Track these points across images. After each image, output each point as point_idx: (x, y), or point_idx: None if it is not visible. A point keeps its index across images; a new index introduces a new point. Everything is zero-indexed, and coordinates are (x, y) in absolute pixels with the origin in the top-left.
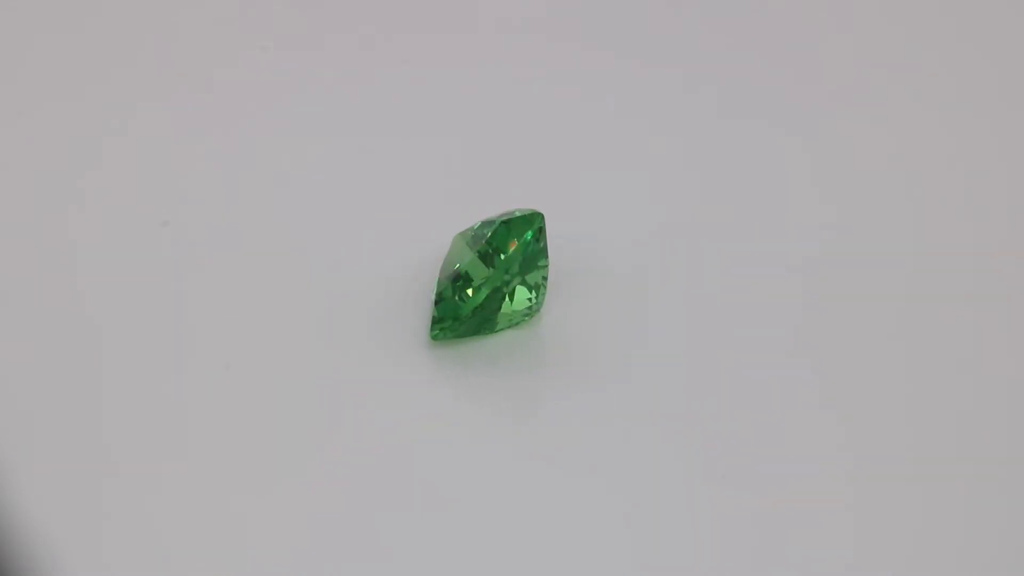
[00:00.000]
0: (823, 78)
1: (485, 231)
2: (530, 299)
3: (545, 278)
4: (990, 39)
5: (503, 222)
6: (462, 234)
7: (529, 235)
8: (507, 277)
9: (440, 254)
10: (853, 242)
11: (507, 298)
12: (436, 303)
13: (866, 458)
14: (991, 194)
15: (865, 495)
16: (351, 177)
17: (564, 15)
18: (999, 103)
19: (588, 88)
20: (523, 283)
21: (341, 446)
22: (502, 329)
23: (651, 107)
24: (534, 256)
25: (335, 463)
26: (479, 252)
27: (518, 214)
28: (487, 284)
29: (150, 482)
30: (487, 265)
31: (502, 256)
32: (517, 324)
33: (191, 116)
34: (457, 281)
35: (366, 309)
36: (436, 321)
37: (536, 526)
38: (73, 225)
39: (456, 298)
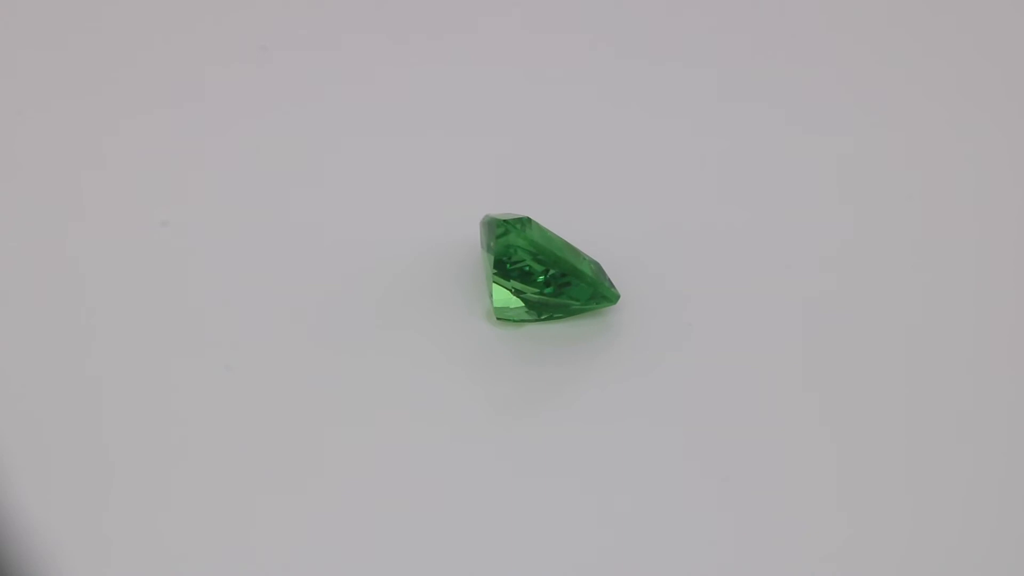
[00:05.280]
0: (835, 77)
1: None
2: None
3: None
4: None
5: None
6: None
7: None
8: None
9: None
10: (866, 247)
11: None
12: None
13: (869, 464)
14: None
15: (867, 501)
16: (352, 176)
17: (578, 14)
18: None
19: (602, 88)
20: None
21: (343, 448)
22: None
23: (670, 108)
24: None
25: (340, 465)
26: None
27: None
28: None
29: (153, 484)
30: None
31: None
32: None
33: (191, 115)
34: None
35: (367, 309)
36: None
37: (535, 529)
38: (73, 225)
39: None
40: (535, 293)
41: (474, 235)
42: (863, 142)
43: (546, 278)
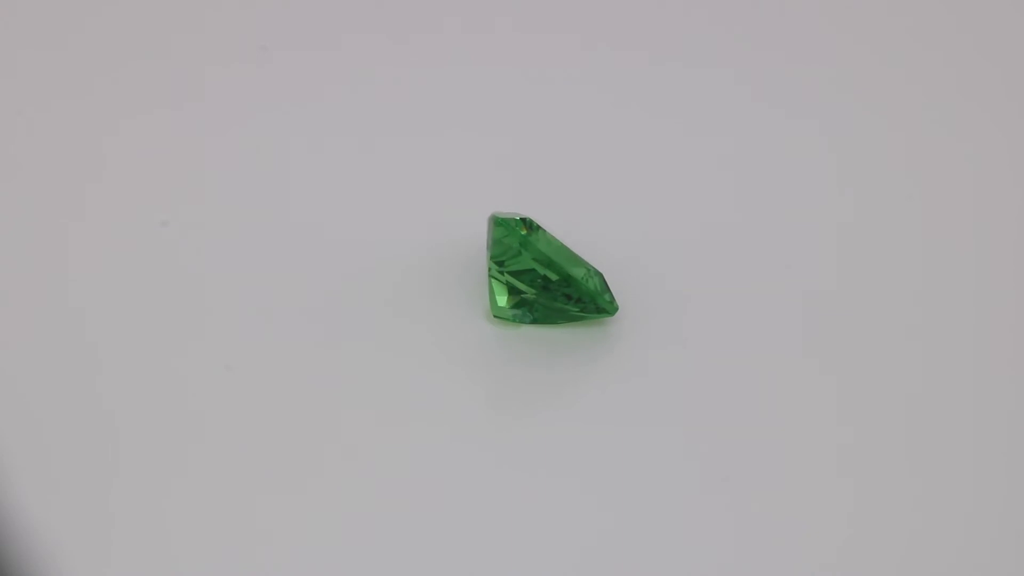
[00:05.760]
0: (835, 77)
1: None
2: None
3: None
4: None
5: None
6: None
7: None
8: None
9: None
10: (866, 247)
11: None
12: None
13: (870, 464)
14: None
15: (868, 501)
16: (352, 176)
17: (587, 14)
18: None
19: (603, 89)
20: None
21: (343, 447)
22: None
23: (670, 108)
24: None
25: (339, 464)
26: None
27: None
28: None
29: (154, 484)
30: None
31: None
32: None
33: (190, 115)
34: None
35: (367, 309)
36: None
37: (534, 529)
38: (73, 225)
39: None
40: (532, 295)
41: (475, 235)
42: (863, 142)
43: (543, 282)
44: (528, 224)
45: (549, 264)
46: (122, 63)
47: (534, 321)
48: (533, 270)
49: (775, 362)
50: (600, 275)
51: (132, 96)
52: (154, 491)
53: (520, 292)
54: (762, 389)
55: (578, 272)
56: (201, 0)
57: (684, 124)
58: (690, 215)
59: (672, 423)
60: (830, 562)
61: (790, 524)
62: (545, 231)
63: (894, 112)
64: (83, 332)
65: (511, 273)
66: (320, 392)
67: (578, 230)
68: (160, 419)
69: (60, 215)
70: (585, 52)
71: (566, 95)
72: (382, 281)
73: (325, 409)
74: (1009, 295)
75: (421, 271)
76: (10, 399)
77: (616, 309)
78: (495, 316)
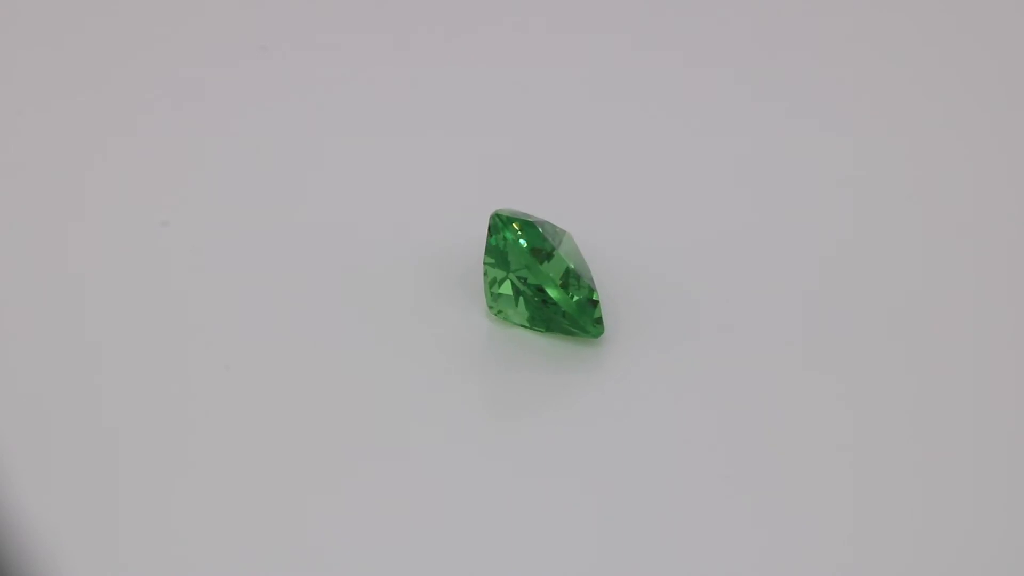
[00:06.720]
0: (835, 77)
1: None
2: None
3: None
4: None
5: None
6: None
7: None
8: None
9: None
10: (866, 247)
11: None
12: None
13: (872, 466)
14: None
15: (871, 502)
16: (352, 176)
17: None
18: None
19: (604, 90)
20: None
21: (343, 448)
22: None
23: (670, 108)
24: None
25: (339, 465)
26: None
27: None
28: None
29: (153, 483)
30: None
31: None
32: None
33: (191, 115)
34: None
35: (367, 309)
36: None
37: (534, 529)
38: (73, 225)
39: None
40: (529, 295)
41: (476, 235)
42: (863, 142)
43: (533, 291)
44: (531, 229)
45: (543, 276)
46: (122, 63)
47: (528, 320)
48: (526, 278)
49: (777, 363)
50: (596, 298)
51: (132, 96)
52: (153, 491)
53: (517, 291)
54: (762, 389)
55: (569, 293)
56: (201, 0)
57: (684, 125)
58: (688, 216)
59: (671, 424)
60: (831, 561)
61: (790, 524)
62: (541, 234)
63: (895, 112)
64: (83, 332)
65: (510, 272)
66: (319, 392)
67: (576, 229)
68: (159, 419)
69: (60, 215)
70: (586, 53)
71: (567, 96)
72: (382, 281)
73: (324, 409)
74: (1010, 295)
75: (421, 271)
76: (10, 399)
77: (600, 333)
78: (490, 306)
